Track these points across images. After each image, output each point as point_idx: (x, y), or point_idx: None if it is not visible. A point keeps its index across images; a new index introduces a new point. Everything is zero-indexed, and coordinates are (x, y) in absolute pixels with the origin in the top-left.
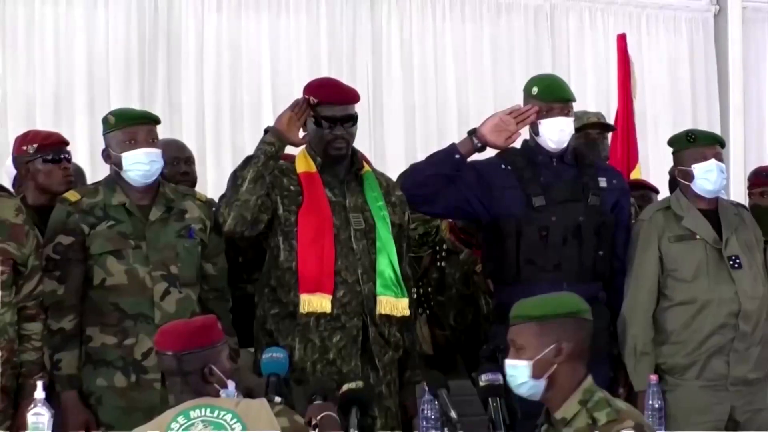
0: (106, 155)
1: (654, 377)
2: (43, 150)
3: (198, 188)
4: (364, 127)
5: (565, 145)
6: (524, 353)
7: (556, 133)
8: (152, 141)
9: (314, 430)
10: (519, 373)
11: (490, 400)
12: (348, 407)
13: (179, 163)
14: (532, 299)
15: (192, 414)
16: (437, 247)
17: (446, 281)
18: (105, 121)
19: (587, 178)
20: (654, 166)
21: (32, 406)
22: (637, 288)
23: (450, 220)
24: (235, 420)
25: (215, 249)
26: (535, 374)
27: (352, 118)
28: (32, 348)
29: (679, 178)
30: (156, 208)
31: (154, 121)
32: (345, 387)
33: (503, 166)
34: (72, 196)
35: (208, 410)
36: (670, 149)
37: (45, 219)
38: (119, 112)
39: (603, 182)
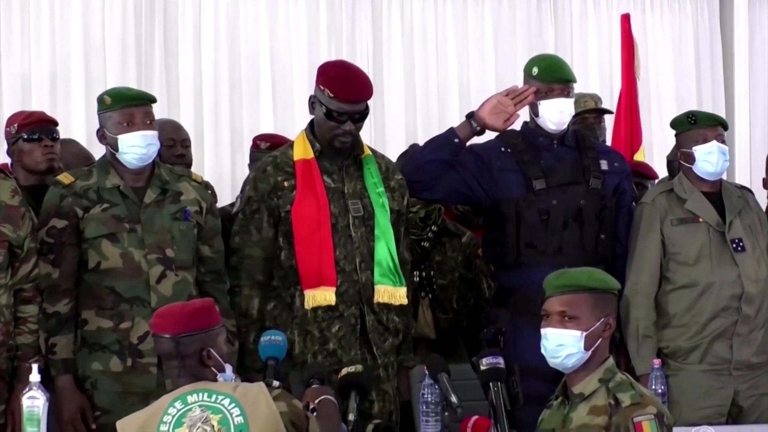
0: (101, 135)
1: (657, 361)
2: (24, 129)
3: (195, 169)
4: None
5: (565, 126)
6: (578, 324)
7: (556, 114)
8: (149, 123)
9: (312, 413)
10: (572, 343)
11: (491, 384)
12: (347, 391)
13: (175, 145)
14: (573, 271)
15: (189, 399)
16: (439, 230)
17: (448, 265)
18: (100, 100)
19: (588, 161)
20: (658, 147)
21: (27, 389)
22: (639, 271)
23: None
24: (233, 404)
25: (211, 231)
26: (586, 346)
27: (364, 116)
28: (28, 331)
29: (681, 161)
30: (151, 190)
31: (151, 101)
32: (344, 371)
33: (503, 149)
34: (65, 178)
35: (206, 395)
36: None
37: (38, 199)
38: (115, 91)
39: (605, 165)
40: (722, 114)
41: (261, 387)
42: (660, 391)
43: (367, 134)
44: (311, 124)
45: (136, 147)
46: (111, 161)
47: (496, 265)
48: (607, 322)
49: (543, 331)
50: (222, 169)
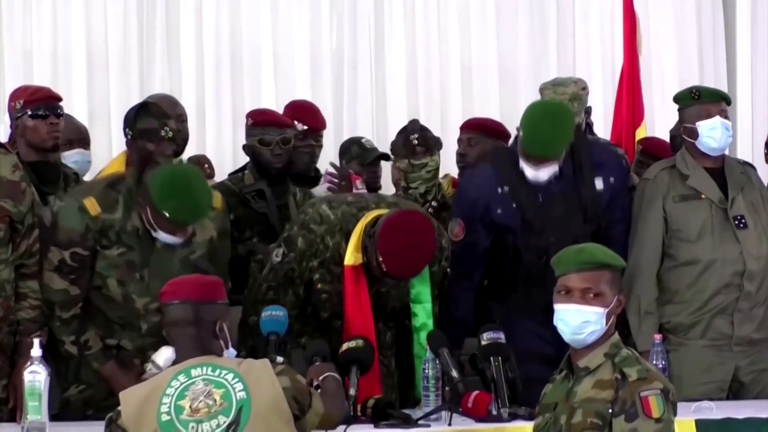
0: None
1: (658, 337)
2: (30, 105)
3: (197, 146)
4: (366, 85)
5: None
6: (602, 300)
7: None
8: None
9: (316, 390)
10: (596, 319)
11: (491, 358)
12: (348, 366)
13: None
14: (590, 247)
15: (193, 372)
16: (438, 206)
17: (446, 239)
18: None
19: (583, 187)
20: (660, 123)
21: (29, 363)
22: (641, 248)
23: (451, 175)
24: (236, 379)
25: (223, 254)
26: (606, 322)
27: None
28: (29, 306)
29: (684, 136)
30: None
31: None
32: (344, 346)
33: (499, 190)
34: (92, 207)
35: (210, 369)
36: (676, 106)
37: (39, 175)
38: (176, 209)
39: (599, 183)
40: (724, 89)
41: (265, 363)
42: (661, 366)
43: (369, 111)
44: (369, 234)
45: (169, 238)
46: (137, 197)
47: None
48: (620, 299)
49: (565, 307)
50: (223, 145)
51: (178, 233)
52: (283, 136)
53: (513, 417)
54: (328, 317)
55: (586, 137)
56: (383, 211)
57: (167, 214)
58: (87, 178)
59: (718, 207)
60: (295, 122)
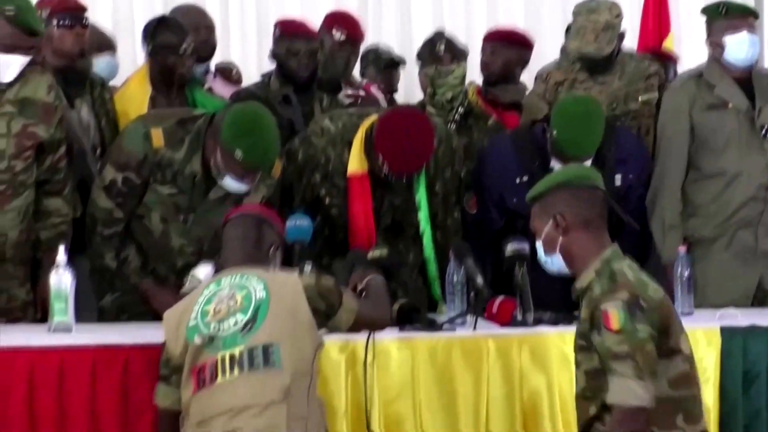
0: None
1: (683, 248)
2: (57, 14)
3: (221, 56)
4: (392, 13)
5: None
6: (538, 235)
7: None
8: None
9: (361, 295)
10: (540, 254)
11: (516, 267)
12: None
13: (199, 30)
14: None
15: (224, 281)
16: (465, 112)
17: (475, 147)
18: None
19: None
20: (687, 35)
21: (55, 267)
22: (666, 159)
23: (476, 83)
24: (260, 283)
25: None
26: (547, 251)
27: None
28: (52, 225)
29: (711, 48)
30: (221, 186)
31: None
32: (369, 255)
33: (517, 180)
34: (156, 138)
35: (239, 276)
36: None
37: (65, 79)
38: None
39: (618, 180)
40: (751, 3)
41: (293, 272)
42: (686, 276)
43: (393, 24)
44: (369, 136)
45: (235, 186)
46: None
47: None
48: (555, 221)
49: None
50: (248, 56)
51: (246, 179)
52: (311, 47)
53: (538, 323)
54: (343, 239)
55: (614, 130)
56: None
57: (240, 154)
58: (113, 83)
59: (745, 116)
60: (335, 30)
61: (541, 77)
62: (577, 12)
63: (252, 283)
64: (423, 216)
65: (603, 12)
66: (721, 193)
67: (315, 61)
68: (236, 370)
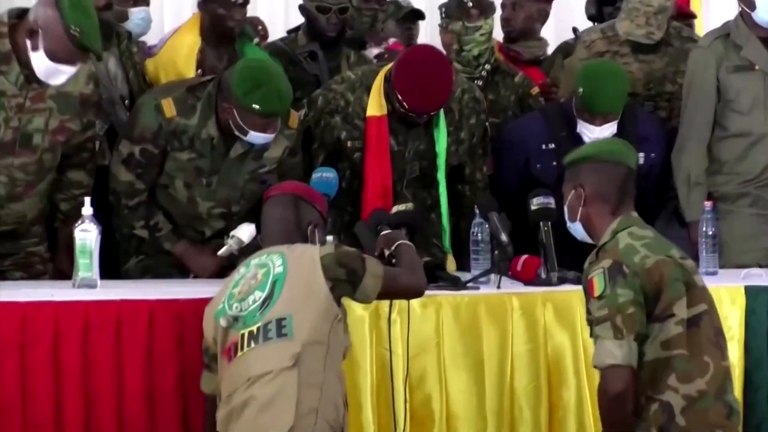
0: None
1: (708, 204)
2: None
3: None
4: None
5: None
6: (564, 200)
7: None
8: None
9: (391, 261)
10: (567, 218)
11: (541, 223)
12: (398, 229)
13: None
14: None
15: (252, 262)
16: (492, 69)
17: (501, 104)
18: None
19: None
20: None
21: (80, 222)
22: (692, 117)
23: (497, 40)
24: (279, 259)
25: (292, 173)
26: (570, 218)
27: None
28: (72, 197)
29: (742, 5)
30: (240, 144)
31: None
32: (394, 209)
33: (543, 147)
34: (168, 108)
35: (265, 255)
36: None
37: None
38: (264, 99)
39: (641, 158)
40: None
41: (313, 244)
42: (711, 233)
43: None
44: (388, 78)
45: (259, 138)
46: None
47: None
48: (578, 191)
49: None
50: (274, 15)
51: (269, 129)
52: (341, 5)
53: (562, 281)
54: None
55: (636, 110)
56: None
57: (257, 107)
58: (146, 38)
59: None
60: None
61: (584, 43)
62: None
63: (272, 259)
64: (440, 162)
65: None
66: (747, 152)
67: (344, 19)
68: (252, 344)
